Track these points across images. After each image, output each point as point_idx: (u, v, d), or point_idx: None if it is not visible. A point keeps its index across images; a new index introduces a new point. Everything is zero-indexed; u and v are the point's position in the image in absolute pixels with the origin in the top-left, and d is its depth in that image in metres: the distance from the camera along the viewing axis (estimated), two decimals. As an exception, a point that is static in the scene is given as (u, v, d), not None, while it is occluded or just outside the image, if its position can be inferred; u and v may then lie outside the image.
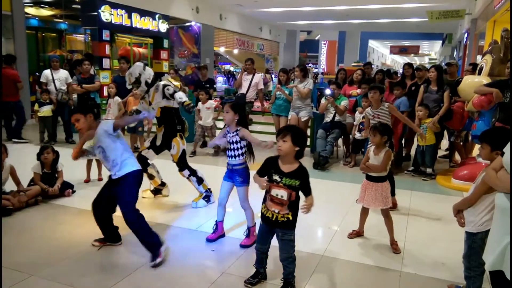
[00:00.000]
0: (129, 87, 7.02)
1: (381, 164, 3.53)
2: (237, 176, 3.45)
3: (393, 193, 4.29)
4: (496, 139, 2.48)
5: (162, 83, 4.38)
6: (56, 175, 4.71)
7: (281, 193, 2.67)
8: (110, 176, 3.33)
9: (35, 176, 4.59)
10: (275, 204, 2.69)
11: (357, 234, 3.79)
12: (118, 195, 3.20)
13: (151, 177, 4.69)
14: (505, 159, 1.99)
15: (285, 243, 2.75)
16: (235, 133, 3.42)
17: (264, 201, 2.78)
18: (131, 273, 3.03)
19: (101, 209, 3.36)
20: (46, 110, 7.44)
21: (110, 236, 3.47)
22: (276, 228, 2.75)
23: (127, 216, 3.13)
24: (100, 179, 5.27)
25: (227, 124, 3.47)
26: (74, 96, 7.77)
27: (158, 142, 4.51)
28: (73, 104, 7.82)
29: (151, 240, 3.18)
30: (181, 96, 4.21)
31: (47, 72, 7.89)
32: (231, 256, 3.35)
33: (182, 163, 4.46)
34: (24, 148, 7.14)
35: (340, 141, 7.03)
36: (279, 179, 2.66)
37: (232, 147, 3.42)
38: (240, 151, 3.42)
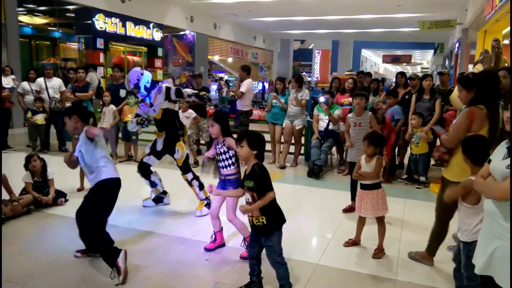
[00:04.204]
0: (123, 95, 7.09)
1: (373, 171, 3.54)
2: (230, 186, 3.43)
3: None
4: (467, 147, 2.51)
5: (164, 85, 4.40)
6: (47, 183, 4.67)
7: (247, 196, 2.75)
8: None
9: (27, 186, 4.55)
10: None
11: (354, 243, 3.78)
12: (87, 201, 3.17)
13: (153, 184, 4.66)
14: (491, 166, 2.04)
15: (267, 249, 2.77)
16: (222, 144, 3.45)
17: None
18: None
19: (84, 217, 3.28)
20: (39, 118, 7.40)
21: (92, 247, 3.36)
22: (258, 234, 2.78)
23: (89, 225, 3.09)
24: (93, 188, 5.22)
25: (214, 137, 3.50)
26: (68, 104, 7.73)
27: (159, 147, 4.49)
28: (66, 112, 7.78)
29: (106, 254, 3.05)
30: (188, 92, 4.35)
31: (40, 80, 7.86)
32: (225, 266, 3.33)
33: (186, 167, 4.47)
34: (13, 157, 7.08)
35: (334, 149, 7.05)
36: (244, 183, 2.74)
37: (222, 158, 3.43)
38: (230, 161, 3.41)
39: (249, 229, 3.41)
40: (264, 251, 2.86)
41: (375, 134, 3.75)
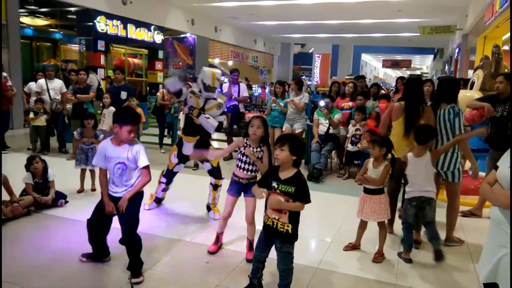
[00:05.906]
0: (124, 97, 7.10)
1: (379, 178, 3.52)
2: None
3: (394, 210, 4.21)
4: (419, 135, 3.49)
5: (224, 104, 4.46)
6: (48, 185, 4.67)
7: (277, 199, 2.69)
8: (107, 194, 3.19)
9: (28, 187, 4.54)
10: (274, 210, 2.70)
11: (353, 247, 3.78)
12: (127, 211, 3.09)
13: (166, 189, 4.74)
14: (499, 173, 2.01)
15: (284, 255, 2.75)
16: (260, 150, 3.30)
17: (265, 209, 2.79)
18: (123, 286, 3.00)
19: (98, 230, 3.28)
20: (40, 120, 7.41)
21: (100, 253, 3.36)
22: (276, 238, 2.75)
23: (131, 233, 3.08)
24: (93, 190, 5.22)
25: (254, 139, 3.28)
26: (69, 105, 7.74)
27: (188, 152, 4.37)
28: (67, 114, 7.79)
29: (139, 261, 3.12)
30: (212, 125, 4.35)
31: (41, 81, 7.87)
32: (226, 269, 3.32)
33: (219, 171, 4.51)
34: (12, 158, 7.08)
35: (334, 153, 7.06)
36: (276, 186, 2.69)
37: (252, 162, 3.33)
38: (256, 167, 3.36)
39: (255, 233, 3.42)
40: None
41: (379, 136, 3.82)
